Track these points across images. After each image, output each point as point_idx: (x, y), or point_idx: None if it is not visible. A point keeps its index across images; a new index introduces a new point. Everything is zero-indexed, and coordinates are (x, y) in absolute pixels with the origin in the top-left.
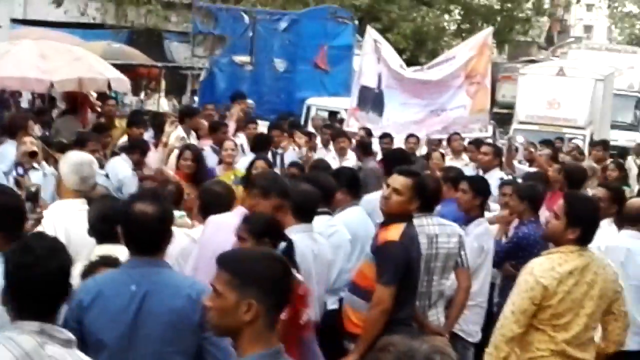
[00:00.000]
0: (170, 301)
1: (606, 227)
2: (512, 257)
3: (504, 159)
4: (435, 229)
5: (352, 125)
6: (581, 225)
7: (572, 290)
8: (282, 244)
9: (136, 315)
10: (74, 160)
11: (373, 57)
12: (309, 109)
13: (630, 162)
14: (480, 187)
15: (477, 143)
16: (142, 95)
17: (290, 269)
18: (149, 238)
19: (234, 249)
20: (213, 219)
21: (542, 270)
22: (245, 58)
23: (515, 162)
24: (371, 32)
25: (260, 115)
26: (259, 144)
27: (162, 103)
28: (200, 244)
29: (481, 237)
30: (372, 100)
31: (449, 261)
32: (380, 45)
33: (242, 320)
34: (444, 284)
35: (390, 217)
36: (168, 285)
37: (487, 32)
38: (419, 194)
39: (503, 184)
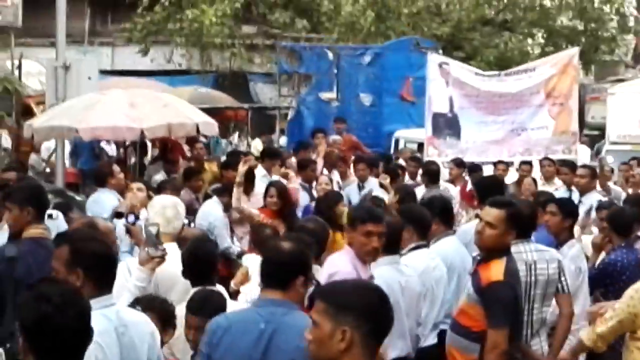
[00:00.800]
0: (297, 340)
1: None
2: (599, 284)
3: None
4: (533, 255)
5: (431, 155)
6: None
7: None
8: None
9: (264, 353)
10: (158, 203)
11: (441, 82)
12: (397, 141)
13: None
14: (568, 209)
15: (572, 165)
16: (235, 138)
17: (388, 298)
18: (281, 273)
19: (333, 281)
20: (330, 259)
21: None
22: (331, 94)
23: (610, 184)
24: (433, 58)
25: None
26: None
27: (254, 144)
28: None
29: (576, 258)
30: (447, 125)
31: (549, 288)
32: (447, 66)
33: (338, 349)
34: (545, 312)
35: (488, 251)
36: (295, 325)
37: (573, 52)
38: (515, 225)
39: (600, 207)
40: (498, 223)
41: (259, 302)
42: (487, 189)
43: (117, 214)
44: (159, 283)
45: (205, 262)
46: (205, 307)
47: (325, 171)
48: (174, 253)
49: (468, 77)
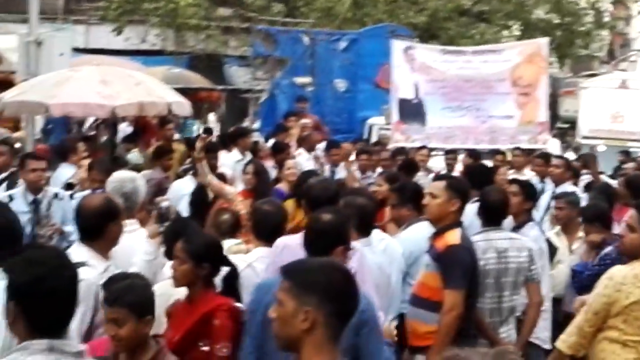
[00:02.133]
0: None
1: None
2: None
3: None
4: (504, 243)
5: (398, 140)
6: None
7: None
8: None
9: None
10: (116, 179)
11: (406, 68)
12: (370, 128)
13: None
14: (530, 192)
15: (545, 157)
16: (213, 120)
17: (355, 279)
18: (321, 243)
19: (299, 259)
20: (279, 242)
21: (623, 276)
22: (306, 79)
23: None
24: (397, 44)
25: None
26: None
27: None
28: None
29: (538, 239)
30: (412, 110)
31: (519, 276)
32: (412, 51)
33: (300, 329)
34: (515, 300)
35: (437, 221)
36: None
37: (541, 42)
38: (456, 193)
39: (558, 197)
40: (439, 192)
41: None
42: (479, 176)
43: (69, 185)
44: (116, 262)
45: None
46: (123, 298)
47: (306, 153)
48: (134, 231)
49: (434, 60)
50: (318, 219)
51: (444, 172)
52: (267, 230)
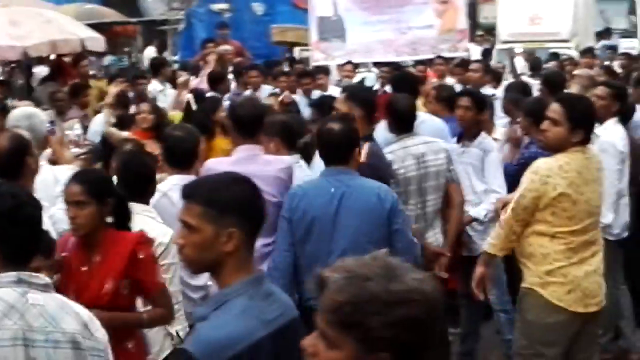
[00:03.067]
0: (362, 198)
1: (612, 127)
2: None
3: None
4: (421, 147)
5: (317, 59)
6: (584, 126)
7: (584, 190)
8: None
9: (336, 211)
10: (13, 115)
11: None
12: (291, 49)
13: None
14: (482, 103)
15: (464, 63)
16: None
17: (260, 192)
18: (340, 151)
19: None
20: (206, 165)
21: (548, 169)
22: (223, 5)
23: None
24: None
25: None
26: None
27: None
28: None
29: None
30: (332, 28)
31: (440, 178)
32: None
33: (223, 252)
34: (439, 203)
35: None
36: (360, 188)
37: None
38: (358, 104)
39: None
40: (340, 105)
41: (326, 173)
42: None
43: None
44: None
45: (140, 176)
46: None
47: None
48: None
49: None
50: (330, 131)
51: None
52: (179, 156)
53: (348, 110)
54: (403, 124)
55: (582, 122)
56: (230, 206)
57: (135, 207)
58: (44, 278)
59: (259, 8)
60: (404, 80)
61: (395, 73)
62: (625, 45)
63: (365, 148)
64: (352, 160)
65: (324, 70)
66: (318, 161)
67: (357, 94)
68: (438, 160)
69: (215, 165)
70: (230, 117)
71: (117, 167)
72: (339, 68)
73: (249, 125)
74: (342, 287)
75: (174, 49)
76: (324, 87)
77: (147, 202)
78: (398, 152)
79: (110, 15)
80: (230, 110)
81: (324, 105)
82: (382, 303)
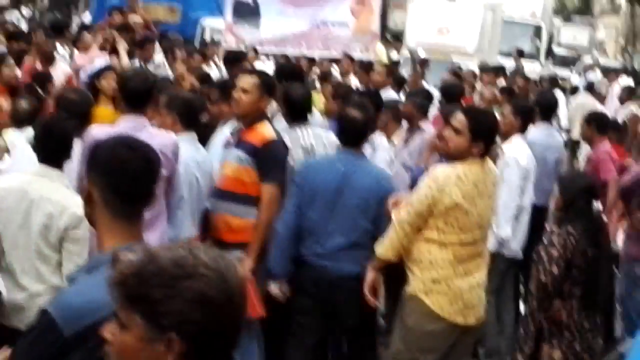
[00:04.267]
0: (365, 179)
1: (517, 143)
2: None
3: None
4: (310, 139)
5: (229, 42)
6: (484, 139)
7: (478, 203)
8: None
9: (340, 187)
10: None
11: None
12: (203, 30)
13: None
14: (379, 103)
15: (367, 67)
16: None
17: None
18: (358, 137)
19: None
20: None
21: (446, 177)
22: None
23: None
24: None
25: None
26: None
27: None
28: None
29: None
30: (247, 12)
31: None
32: None
33: (88, 211)
34: None
35: (245, 117)
36: (367, 169)
37: None
38: (265, 90)
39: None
40: (251, 89)
41: (339, 153)
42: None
43: None
44: None
45: (60, 141)
46: None
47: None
48: None
49: None
50: (353, 118)
51: None
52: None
53: (258, 95)
54: (297, 113)
55: (483, 134)
56: (93, 163)
57: (50, 172)
58: None
59: None
60: (289, 71)
61: (283, 64)
62: (528, 68)
63: (269, 126)
64: (363, 146)
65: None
66: (216, 142)
67: (269, 81)
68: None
69: (97, 131)
70: (119, 89)
71: (38, 129)
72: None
73: (137, 97)
74: (132, 261)
75: (84, 10)
76: None
77: (60, 168)
78: (286, 141)
79: None
80: (120, 82)
81: (225, 87)
82: (169, 275)
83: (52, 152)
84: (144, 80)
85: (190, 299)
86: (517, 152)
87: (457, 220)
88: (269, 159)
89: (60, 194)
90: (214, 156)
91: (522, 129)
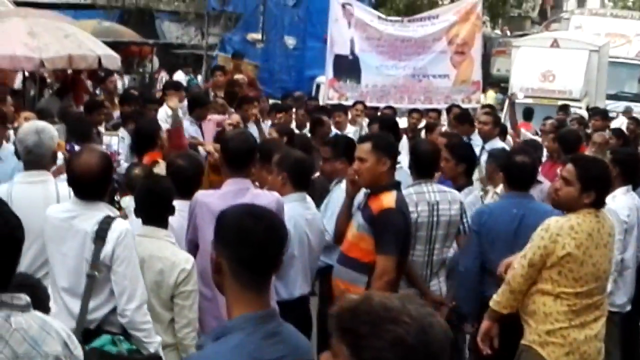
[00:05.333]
0: (539, 220)
1: (620, 196)
2: None
3: (508, 124)
4: (436, 195)
5: (332, 97)
6: (595, 188)
7: (593, 253)
8: None
9: (517, 229)
10: (22, 130)
11: (343, 23)
12: (318, 87)
13: None
14: (463, 154)
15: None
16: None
17: (278, 225)
18: (525, 179)
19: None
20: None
21: (559, 227)
22: (257, 35)
23: (522, 130)
24: None
25: (271, 94)
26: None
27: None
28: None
29: (472, 206)
30: (347, 67)
31: (450, 228)
32: (350, 7)
33: (216, 281)
34: (446, 253)
35: (370, 185)
36: (539, 210)
37: (475, 0)
38: (383, 152)
39: (490, 155)
40: (366, 155)
41: (509, 197)
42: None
43: None
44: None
45: (160, 201)
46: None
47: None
48: (44, 182)
49: (371, 20)
50: (521, 162)
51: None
52: (181, 183)
53: (374, 160)
54: (423, 169)
55: (594, 184)
56: (220, 235)
57: (156, 232)
58: (24, 298)
59: (290, 42)
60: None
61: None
62: (637, 109)
63: (393, 195)
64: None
65: (343, 108)
66: (333, 198)
67: (384, 143)
68: (452, 211)
69: (203, 197)
70: (222, 151)
71: (137, 192)
72: (350, 107)
73: (239, 159)
74: (352, 299)
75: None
76: (340, 125)
77: (166, 227)
78: (413, 196)
79: (127, 34)
80: (222, 144)
81: (338, 145)
82: (377, 316)
83: (154, 212)
84: (244, 141)
85: (390, 340)
86: (617, 205)
87: (572, 271)
88: (384, 230)
89: (168, 251)
90: (331, 213)
91: (625, 179)
